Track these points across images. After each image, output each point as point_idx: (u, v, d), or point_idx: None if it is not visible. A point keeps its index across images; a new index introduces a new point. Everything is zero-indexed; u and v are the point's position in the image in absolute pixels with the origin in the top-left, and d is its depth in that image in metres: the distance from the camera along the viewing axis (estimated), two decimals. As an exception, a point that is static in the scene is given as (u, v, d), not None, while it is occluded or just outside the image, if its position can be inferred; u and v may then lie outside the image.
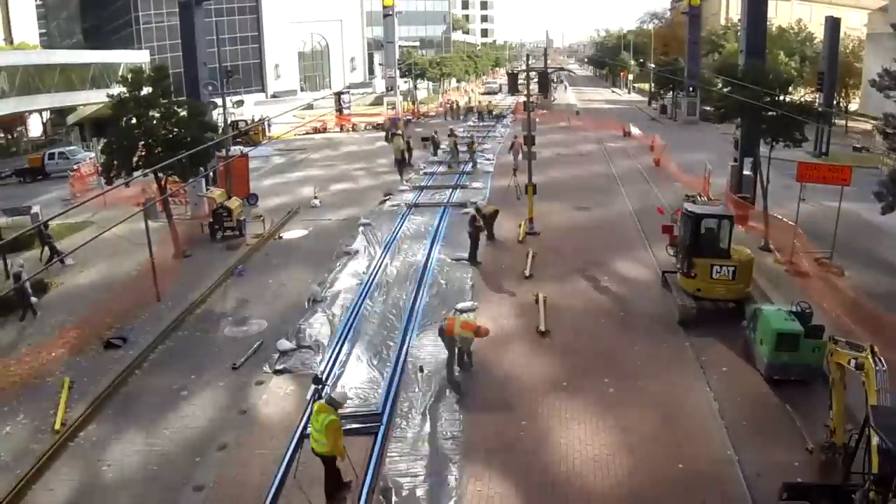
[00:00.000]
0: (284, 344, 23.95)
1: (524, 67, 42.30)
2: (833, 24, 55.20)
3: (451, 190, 45.99)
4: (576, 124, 77.67)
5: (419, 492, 16.24)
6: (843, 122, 69.65)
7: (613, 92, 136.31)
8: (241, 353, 23.59)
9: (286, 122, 77.55)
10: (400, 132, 61.60)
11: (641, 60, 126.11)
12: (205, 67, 44.35)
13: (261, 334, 25.16)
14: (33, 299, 27.81)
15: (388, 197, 44.36)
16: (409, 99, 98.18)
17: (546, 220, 36.89)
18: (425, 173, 52.89)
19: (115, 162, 33.07)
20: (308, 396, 19.76)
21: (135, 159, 32.99)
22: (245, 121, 75.24)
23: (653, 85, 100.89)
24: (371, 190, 47.14)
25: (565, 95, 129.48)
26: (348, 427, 17.53)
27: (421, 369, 21.69)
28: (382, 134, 74.58)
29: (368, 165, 57.69)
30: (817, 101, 53.12)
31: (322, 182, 49.63)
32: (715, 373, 21.13)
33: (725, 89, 36.76)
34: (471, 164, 53.28)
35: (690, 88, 78.70)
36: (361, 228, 36.73)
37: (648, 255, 31.72)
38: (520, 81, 41.45)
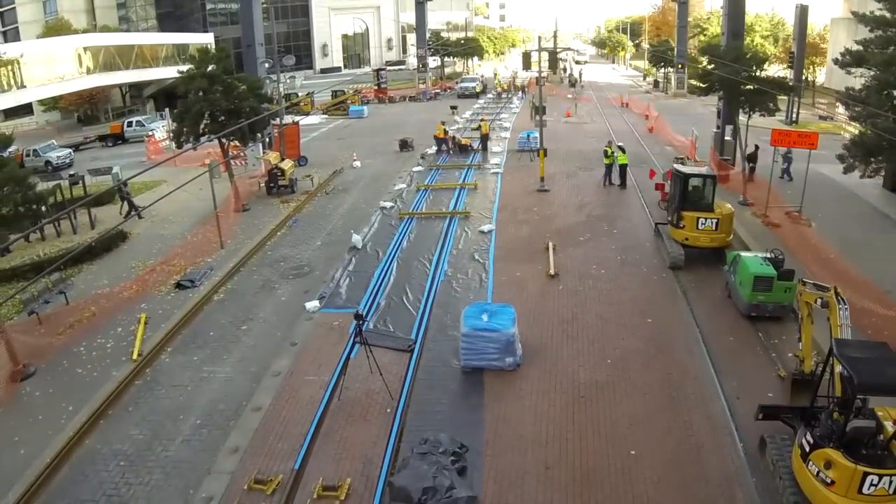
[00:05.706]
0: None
1: (537, 48, 41.59)
2: (802, 11, 54.34)
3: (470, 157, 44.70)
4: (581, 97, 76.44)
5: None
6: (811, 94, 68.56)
7: (613, 69, 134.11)
8: (292, 293, 23.65)
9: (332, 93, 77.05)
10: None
11: (639, 41, 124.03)
12: (261, 47, 44.04)
13: (310, 277, 25.11)
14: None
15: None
16: (437, 75, 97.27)
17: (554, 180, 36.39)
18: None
19: (185, 129, 33.07)
20: (351, 330, 19.65)
21: (201, 126, 32.92)
22: (296, 93, 74.90)
23: (647, 62, 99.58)
24: (403, 153, 46.46)
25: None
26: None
27: None
28: (415, 104, 75.17)
29: (402, 131, 56.93)
30: (788, 76, 52.72)
31: (362, 145, 49.01)
32: (699, 309, 20.91)
33: (710, 66, 36.17)
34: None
35: (679, 66, 77.65)
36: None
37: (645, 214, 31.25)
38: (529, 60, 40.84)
